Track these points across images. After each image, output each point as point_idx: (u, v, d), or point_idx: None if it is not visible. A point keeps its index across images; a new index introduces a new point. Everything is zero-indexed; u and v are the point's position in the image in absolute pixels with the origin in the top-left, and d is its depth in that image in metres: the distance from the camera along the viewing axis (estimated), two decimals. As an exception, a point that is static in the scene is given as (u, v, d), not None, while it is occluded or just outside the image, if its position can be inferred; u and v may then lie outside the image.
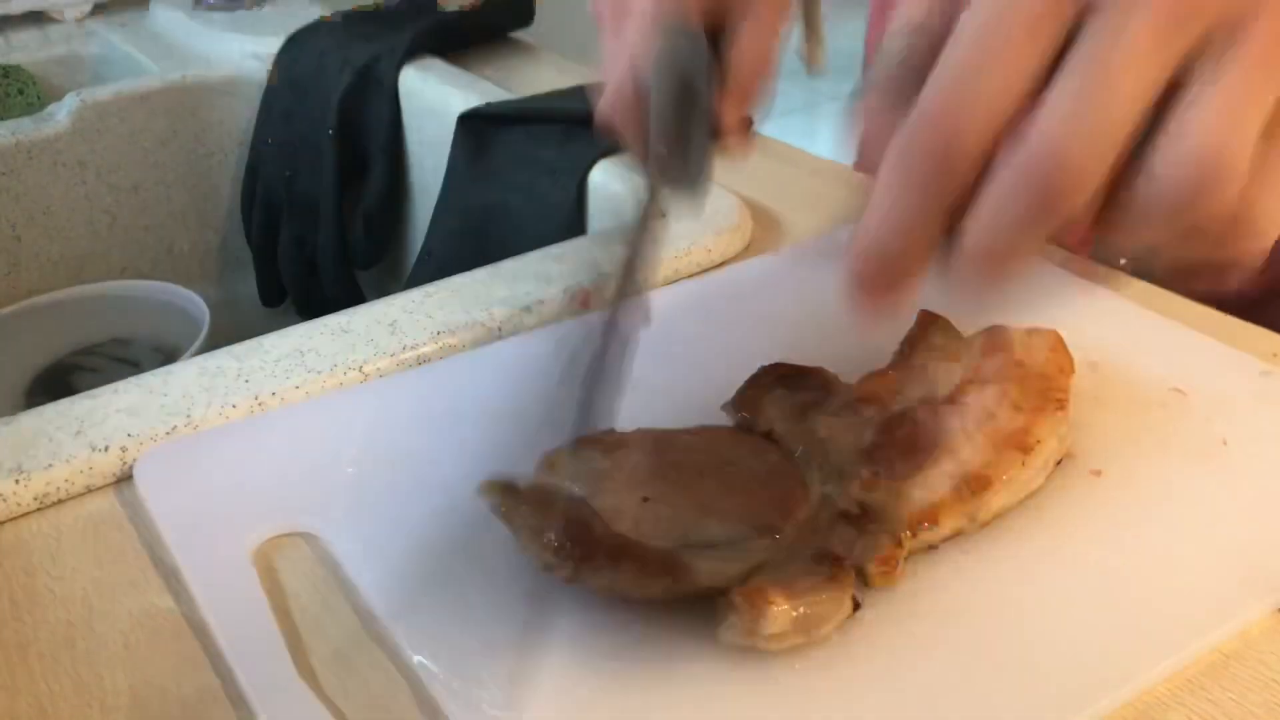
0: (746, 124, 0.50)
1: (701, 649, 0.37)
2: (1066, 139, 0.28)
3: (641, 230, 0.45)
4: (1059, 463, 0.44)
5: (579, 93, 0.81)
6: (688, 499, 0.40)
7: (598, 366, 0.39)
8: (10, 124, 0.89)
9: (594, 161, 0.72)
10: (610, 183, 0.70)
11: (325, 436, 0.47)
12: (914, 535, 0.39)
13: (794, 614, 0.36)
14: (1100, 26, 0.29)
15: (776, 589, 0.36)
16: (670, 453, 0.43)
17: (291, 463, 0.46)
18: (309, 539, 0.43)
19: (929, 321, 0.48)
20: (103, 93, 0.92)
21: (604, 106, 0.53)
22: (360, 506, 0.44)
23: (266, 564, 0.42)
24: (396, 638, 0.38)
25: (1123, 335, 0.51)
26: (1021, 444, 0.41)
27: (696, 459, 0.42)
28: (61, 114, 0.91)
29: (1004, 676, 0.36)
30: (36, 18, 1.09)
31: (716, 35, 0.52)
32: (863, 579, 0.38)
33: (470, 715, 0.35)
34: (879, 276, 0.31)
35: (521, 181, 0.76)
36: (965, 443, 0.41)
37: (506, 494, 0.39)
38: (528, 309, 0.56)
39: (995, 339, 0.46)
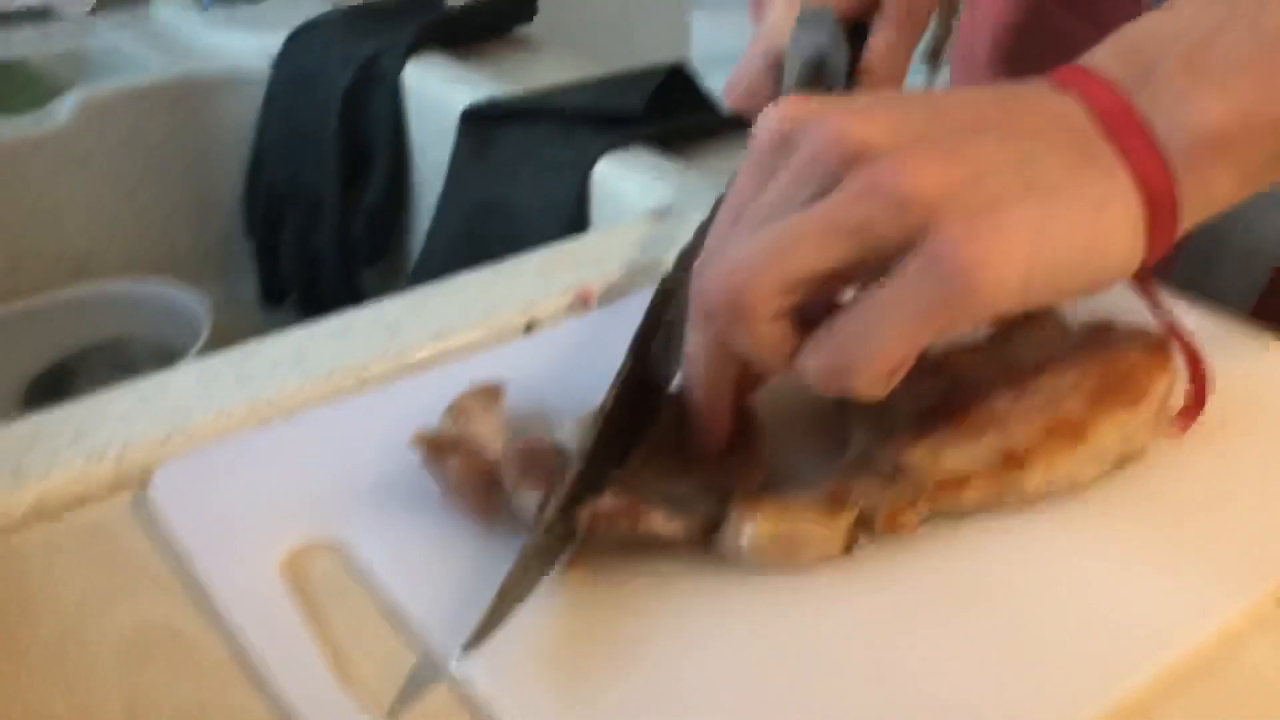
0: None
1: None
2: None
3: None
4: (1128, 462, 0.43)
5: (582, 88, 0.80)
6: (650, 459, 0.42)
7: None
8: (12, 120, 0.89)
9: (598, 158, 0.71)
10: (614, 179, 0.70)
11: (337, 446, 0.47)
12: (937, 497, 0.40)
13: (775, 532, 0.38)
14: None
15: (770, 506, 0.38)
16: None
17: (308, 473, 0.45)
18: (335, 548, 0.42)
19: (1039, 312, 0.48)
20: (105, 89, 0.92)
21: (734, 83, 0.55)
22: (384, 513, 0.43)
23: (294, 576, 0.41)
24: (435, 645, 0.38)
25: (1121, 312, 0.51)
26: (1075, 432, 0.41)
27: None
28: (64, 110, 0.90)
29: (995, 663, 0.36)
30: (39, 14, 1.09)
31: (855, 28, 0.54)
32: (871, 526, 0.40)
33: (521, 714, 0.35)
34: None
35: (525, 178, 0.76)
36: (1019, 422, 0.42)
37: (432, 447, 0.42)
38: (527, 310, 0.55)
39: (1099, 333, 0.46)
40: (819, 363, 0.36)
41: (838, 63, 0.53)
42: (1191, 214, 0.38)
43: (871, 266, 0.35)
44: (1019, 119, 0.38)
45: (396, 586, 0.40)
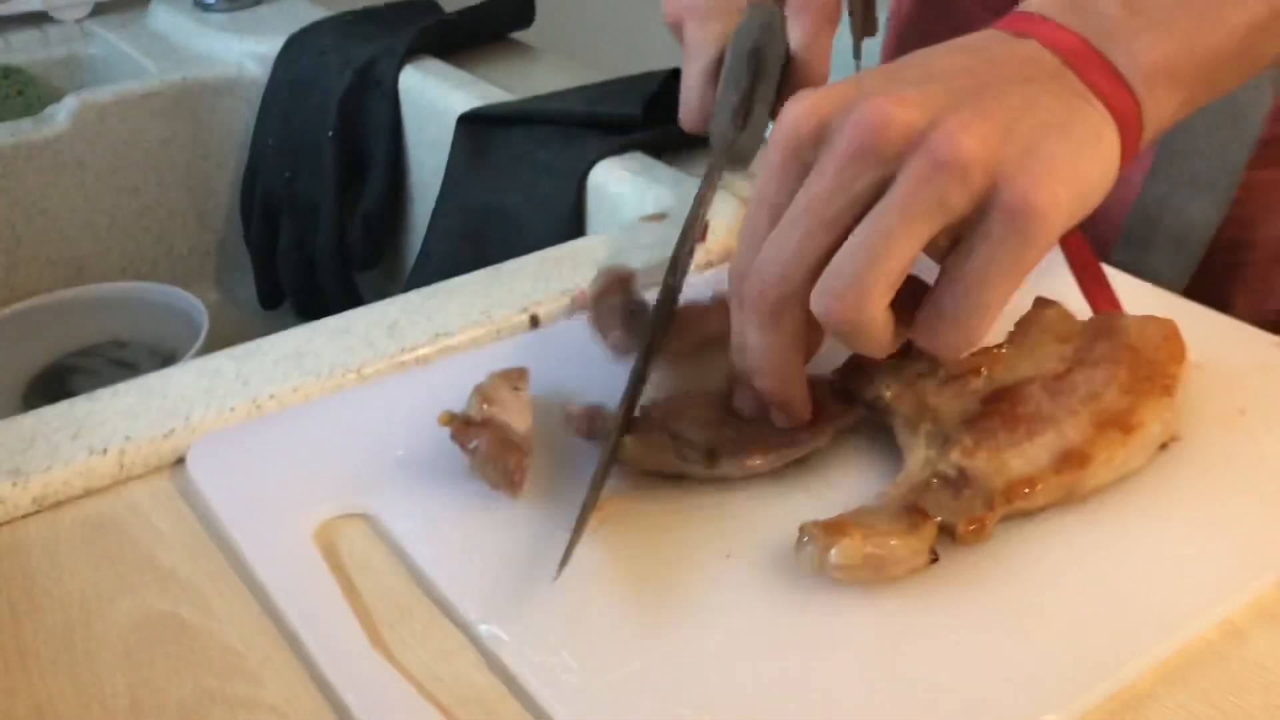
0: None
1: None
2: None
3: (705, 193, 0.53)
4: (1164, 446, 0.45)
5: (579, 93, 0.81)
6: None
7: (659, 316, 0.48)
8: (10, 125, 0.89)
9: (594, 162, 0.72)
10: (610, 183, 0.70)
11: (366, 424, 0.48)
12: (1009, 502, 0.41)
13: (865, 551, 0.38)
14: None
15: (854, 526, 0.39)
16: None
17: (338, 449, 0.47)
18: (366, 519, 0.44)
19: (1044, 306, 0.49)
20: (102, 94, 0.92)
21: (688, 109, 0.58)
22: (413, 487, 0.45)
23: (327, 544, 0.43)
24: (463, 611, 0.39)
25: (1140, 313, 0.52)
26: (1124, 424, 0.42)
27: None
28: (61, 115, 0.91)
29: (998, 647, 0.37)
30: (36, 19, 1.09)
31: None
32: (951, 536, 0.40)
33: (545, 680, 0.36)
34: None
35: (521, 182, 0.76)
36: (1069, 419, 0.43)
37: (460, 424, 0.44)
38: (526, 310, 0.56)
39: (1110, 324, 0.47)
40: (944, 340, 0.40)
41: (775, 54, 0.56)
42: (1148, 134, 0.42)
43: (941, 238, 0.38)
44: (1004, 68, 0.40)
45: (424, 555, 0.42)
